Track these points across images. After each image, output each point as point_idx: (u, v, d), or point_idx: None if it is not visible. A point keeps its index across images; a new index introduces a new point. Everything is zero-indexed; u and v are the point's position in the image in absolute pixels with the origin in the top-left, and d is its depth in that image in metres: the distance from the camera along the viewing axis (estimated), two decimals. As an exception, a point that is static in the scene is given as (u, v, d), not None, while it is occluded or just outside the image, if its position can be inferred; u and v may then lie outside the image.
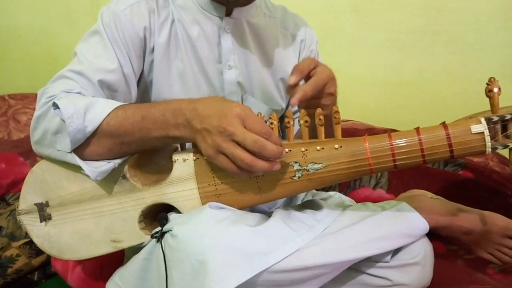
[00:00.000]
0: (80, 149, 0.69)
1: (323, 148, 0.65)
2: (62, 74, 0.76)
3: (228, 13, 0.86)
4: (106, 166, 0.70)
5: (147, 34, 0.81)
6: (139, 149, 0.71)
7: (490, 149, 0.59)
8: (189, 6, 0.84)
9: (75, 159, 0.69)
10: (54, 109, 0.67)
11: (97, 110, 0.67)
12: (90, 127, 0.67)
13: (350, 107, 1.40)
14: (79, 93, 0.72)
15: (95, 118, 0.67)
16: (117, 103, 0.69)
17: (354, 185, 1.19)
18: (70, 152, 0.69)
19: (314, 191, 1.04)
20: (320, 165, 0.65)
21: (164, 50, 0.82)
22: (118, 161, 0.71)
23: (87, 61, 0.76)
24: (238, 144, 0.60)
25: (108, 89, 0.77)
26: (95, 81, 0.74)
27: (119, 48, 0.78)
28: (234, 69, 0.87)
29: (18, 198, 0.80)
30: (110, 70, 0.76)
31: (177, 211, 0.72)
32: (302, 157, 0.66)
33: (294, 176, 0.67)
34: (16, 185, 1.17)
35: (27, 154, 1.21)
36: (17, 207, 0.78)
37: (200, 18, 0.85)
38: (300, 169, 0.66)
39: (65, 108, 0.66)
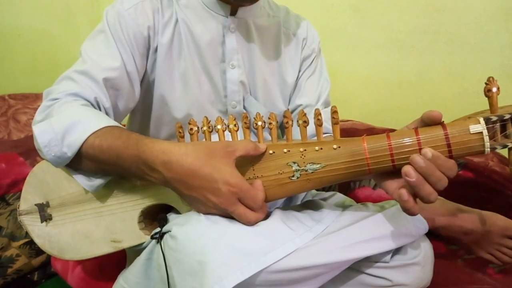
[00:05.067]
0: (72, 164, 0.70)
1: (321, 148, 0.65)
2: (66, 74, 0.76)
3: (233, 13, 0.86)
4: (101, 180, 0.71)
5: (151, 33, 0.81)
6: (124, 176, 0.73)
7: (488, 149, 0.58)
8: (194, 5, 0.85)
9: (71, 173, 0.71)
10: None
11: (75, 135, 0.67)
12: (69, 153, 0.67)
13: (350, 107, 1.40)
14: (77, 93, 0.73)
15: (73, 145, 0.67)
16: (95, 127, 0.68)
17: (354, 185, 1.19)
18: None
19: (314, 191, 1.04)
20: (318, 165, 0.65)
21: (167, 50, 0.83)
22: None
23: (91, 60, 0.76)
24: None
25: (112, 88, 0.77)
26: (100, 79, 0.75)
27: (123, 47, 0.78)
28: (238, 68, 0.87)
29: (18, 198, 0.80)
30: (114, 68, 0.77)
31: (176, 211, 0.72)
32: (301, 157, 0.65)
33: (293, 176, 0.66)
34: (16, 185, 1.17)
35: (27, 154, 1.21)
36: (18, 208, 0.78)
37: (205, 17, 0.85)
38: (298, 169, 0.66)
39: (40, 135, 0.67)
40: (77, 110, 0.70)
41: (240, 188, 0.61)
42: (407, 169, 0.58)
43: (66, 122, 0.67)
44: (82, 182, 0.71)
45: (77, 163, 0.70)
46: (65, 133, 0.67)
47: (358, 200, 1.08)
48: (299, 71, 0.97)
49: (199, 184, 0.61)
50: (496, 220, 0.89)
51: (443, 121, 0.60)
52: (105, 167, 0.69)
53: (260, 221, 0.65)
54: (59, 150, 0.67)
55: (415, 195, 0.59)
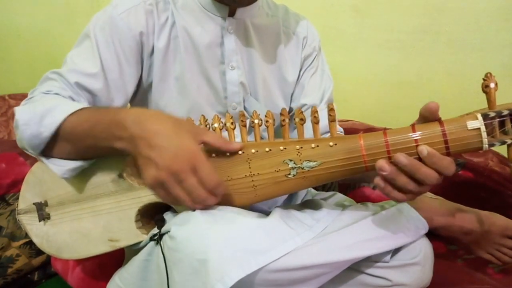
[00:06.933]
0: (47, 151, 0.70)
1: (317, 146, 0.64)
2: (46, 76, 0.77)
3: (231, 14, 0.86)
4: (73, 164, 0.71)
5: (144, 38, 0.80)
6: (96, 155, 0.72)
7: (487, 145, 0.57)
8: (191, 6, 0.84)
9: (42, 159, 0.71)
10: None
11: (55, 115, 0.68)
12: (47, 132, 0.68)
13: (350, 107, 1.40)
14: (57, 94, 0.73)
15: (51, 124, 0.67)
16: (77, 107, 0.68)
17: (354, 185, 1.19)
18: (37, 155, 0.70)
19: (314, 191, 1.04)
20: (315, 163, 0.65)
21: (163, 55, 0.82)
22: (87, 162, 0.72)
23: (72, 63, 0.77)
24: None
25: (87, 92, 0.77)
26: (72, 82, 0.75)
27: (109, 53, 0.77)
28: (237, 69, 0.87)
29: (18, 198, 0.80)
30: (90, 74, 0.76)
31: (173, 210, 0.72)
32: (297, 155, 0.65)
33: (289, 174, 0.66)
34: (16, 185, 1.17)
35: (27, 154, 1.21)
36: (17, 207, 0.78)
37: (203, 18, 0.85)
38: (295, 167, 0.66)
39: (20, 114, 0.68)
40: (56, 98, 0.72)
41: (198, 157, 0.61)
42: (381, 163, 0.59)
43: (46, 105, 0.69)
44: (52, 166, 0.70)
45: (52, 147, 0.70)
46: (45, 114, 0.68)
47: (358, 200, 1.07)
48: (300, 70, 0.97)
49: (159, 144, 0.61)
50: (496, 220, 0.89)
51: (440, 118, 0.60)
52: (79, 144, 0.69)
53: (209, 206, 0.64)
54: (36, 130, 0.67)
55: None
